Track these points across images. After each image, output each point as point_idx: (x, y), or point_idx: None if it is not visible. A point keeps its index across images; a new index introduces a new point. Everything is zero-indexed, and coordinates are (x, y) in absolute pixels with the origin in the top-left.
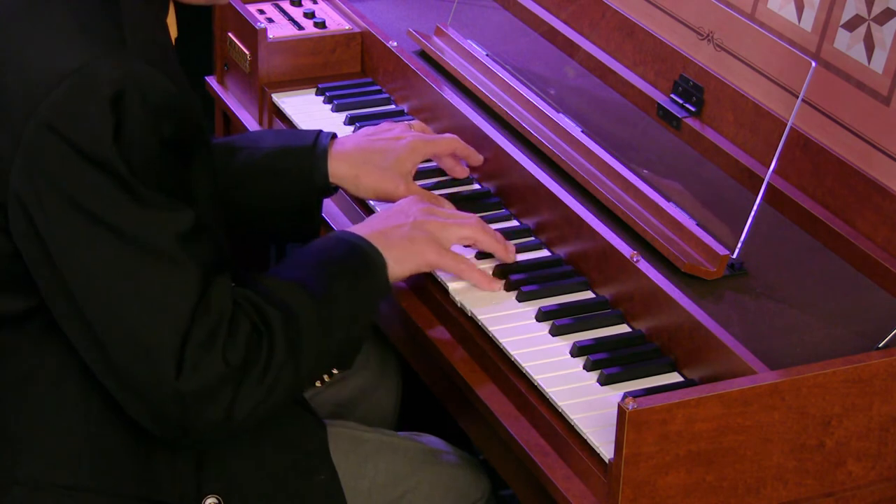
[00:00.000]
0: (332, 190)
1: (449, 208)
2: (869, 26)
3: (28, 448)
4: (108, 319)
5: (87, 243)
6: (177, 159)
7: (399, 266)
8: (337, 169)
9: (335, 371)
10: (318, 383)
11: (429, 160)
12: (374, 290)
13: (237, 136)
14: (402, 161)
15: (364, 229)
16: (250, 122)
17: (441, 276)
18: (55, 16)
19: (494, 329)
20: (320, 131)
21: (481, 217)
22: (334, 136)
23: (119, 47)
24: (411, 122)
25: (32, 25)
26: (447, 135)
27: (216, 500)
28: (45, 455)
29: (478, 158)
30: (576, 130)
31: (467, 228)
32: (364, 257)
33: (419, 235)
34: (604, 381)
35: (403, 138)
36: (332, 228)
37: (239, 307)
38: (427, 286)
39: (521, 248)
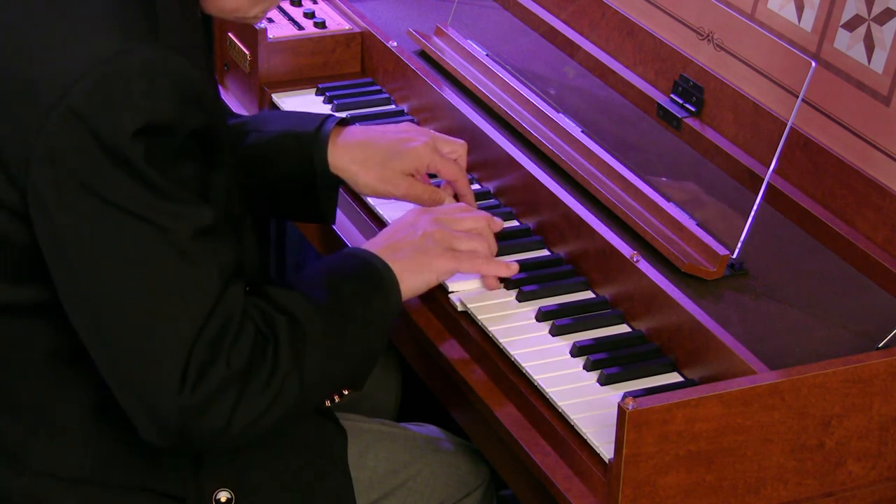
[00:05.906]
0: (335, 178)
1: (456, 211)
2: (869, 26)
3: (35, 441)
4: (116, 319)
5: (100, 231)
6: (197, 153)
7: (412, 277)
8: (337, 160)
9: (346, 392)
10: (327, 402)
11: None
12: (383, 304)
13: (247, 117)
14: (404, 163)
15: (373, 245)
16: None
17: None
18: (87, 4)
19: (494, 329)
20: (328, 116)
21: None
22: (343, 121)
23: (151, 38)
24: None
25: (63, 13)
26: (457, 152)
27: (229, 494)
28: (53, 449)
29: (471, 203)
30: (576, 130)
31: (476, 241)
32: (373, 271)
33: (430, 246)
34: (604, 381)
35: (414, 141)
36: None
37: (245, 313)
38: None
39: (521, 248)
